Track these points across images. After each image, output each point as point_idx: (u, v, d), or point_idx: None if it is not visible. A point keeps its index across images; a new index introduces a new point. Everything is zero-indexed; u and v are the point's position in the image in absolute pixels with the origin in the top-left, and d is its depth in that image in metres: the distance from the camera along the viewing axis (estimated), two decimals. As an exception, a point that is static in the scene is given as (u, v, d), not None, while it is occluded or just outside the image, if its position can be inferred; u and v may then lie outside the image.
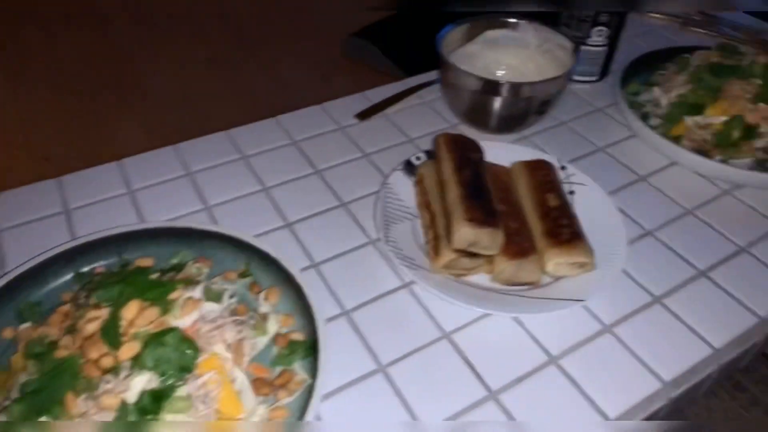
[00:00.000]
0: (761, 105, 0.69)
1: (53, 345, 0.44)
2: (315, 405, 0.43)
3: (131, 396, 0.41)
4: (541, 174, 0.62)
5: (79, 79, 2.02)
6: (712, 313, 0.56)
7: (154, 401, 0.41)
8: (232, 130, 0.74)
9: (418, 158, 0.66)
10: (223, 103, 1.91)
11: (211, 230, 0.56)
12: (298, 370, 0.48)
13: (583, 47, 0.80)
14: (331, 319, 0.54)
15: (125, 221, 0.61)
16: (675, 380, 0.50)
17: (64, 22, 2.31)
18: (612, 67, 0.85)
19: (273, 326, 0.50)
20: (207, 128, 0.75)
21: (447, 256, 0.54)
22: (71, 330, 0.45)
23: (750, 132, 0.69)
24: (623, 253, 0.56)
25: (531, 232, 0.57)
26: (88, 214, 0.62)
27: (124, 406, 0.40)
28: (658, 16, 1.01)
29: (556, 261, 0.55)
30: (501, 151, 0.67)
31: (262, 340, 0.49)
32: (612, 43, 0.82)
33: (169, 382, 0.42)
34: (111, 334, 0.42)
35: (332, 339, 0.51)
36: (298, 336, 0.49)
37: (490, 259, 0.55)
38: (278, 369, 0.48)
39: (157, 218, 0.62)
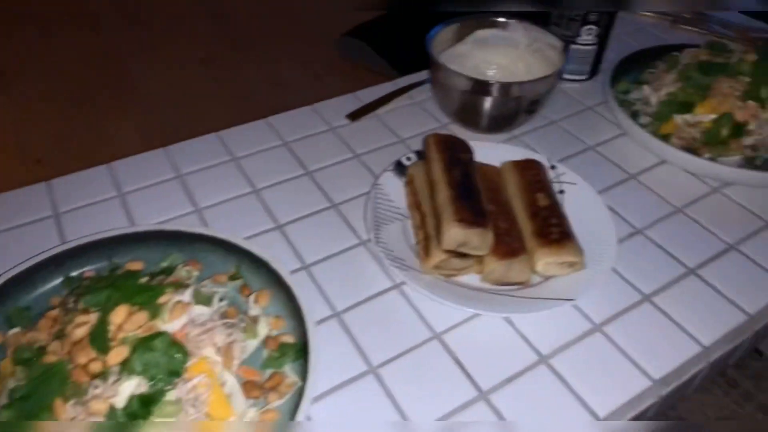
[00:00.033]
0: (750, 102, 0.69)
1: (42, 350, 0.44)
2: (305, 407, 0.43)
3: (120, 401, 0.41)
4: (531, 174, 0.62)
5: (72, 81, 2.02)
6: (702, 311, 0.56)
7: (143, 406, 0.40)
8: (223, 131, 0.74)
9: (408, 159, 0.66)
10: (218, 103, 1.91)
11: (201, 233, 0.56)
12: (289, 372, 0.48)
13: (573, 46, 0.81)
14: (321, 321, 0.54)
15: (115, 224, 0.61)
16: (664, 378, 0.51)
17: (58, 24, 2.31)
18: (602, 66, 0.85)
19: (263, 329, 0.50)
20: (201, 129, 0.75)
21: (437, 256, 0.54)
22: (60, 335, 0.45)
23: (739, 130, 0.69)
24: (613, 252, 0.56)
25: (521, 232, 0.58)
26: (77, 218, 0.62)
27: (113, 411, 0.40)
28: (647, 14, 1.02)
29: (545, 261, 0.55)
30: (491, 151, 0.67)
31: (253, 343, 0.49)
32: (602, 42, 0.82)
33: (158, 386, 0.42)
34: (99, 339, 0.42)
35: (323, 341, 0.51)
36: (289, 338, 0.49)
37: (480, 259, 0.55)
38: (269, 372, 0.48)
39: (148, 221, 0.62)
